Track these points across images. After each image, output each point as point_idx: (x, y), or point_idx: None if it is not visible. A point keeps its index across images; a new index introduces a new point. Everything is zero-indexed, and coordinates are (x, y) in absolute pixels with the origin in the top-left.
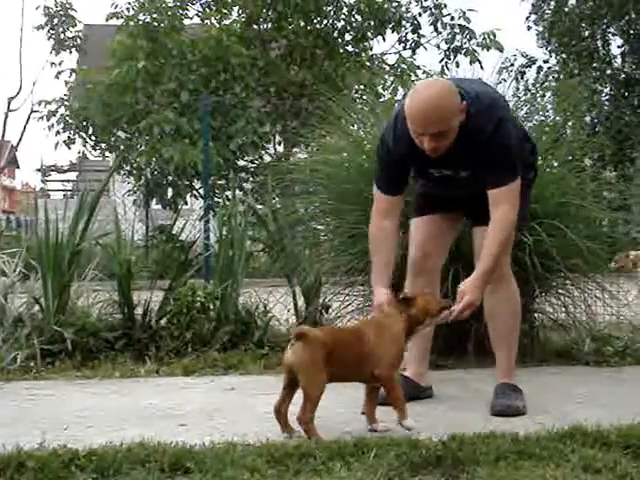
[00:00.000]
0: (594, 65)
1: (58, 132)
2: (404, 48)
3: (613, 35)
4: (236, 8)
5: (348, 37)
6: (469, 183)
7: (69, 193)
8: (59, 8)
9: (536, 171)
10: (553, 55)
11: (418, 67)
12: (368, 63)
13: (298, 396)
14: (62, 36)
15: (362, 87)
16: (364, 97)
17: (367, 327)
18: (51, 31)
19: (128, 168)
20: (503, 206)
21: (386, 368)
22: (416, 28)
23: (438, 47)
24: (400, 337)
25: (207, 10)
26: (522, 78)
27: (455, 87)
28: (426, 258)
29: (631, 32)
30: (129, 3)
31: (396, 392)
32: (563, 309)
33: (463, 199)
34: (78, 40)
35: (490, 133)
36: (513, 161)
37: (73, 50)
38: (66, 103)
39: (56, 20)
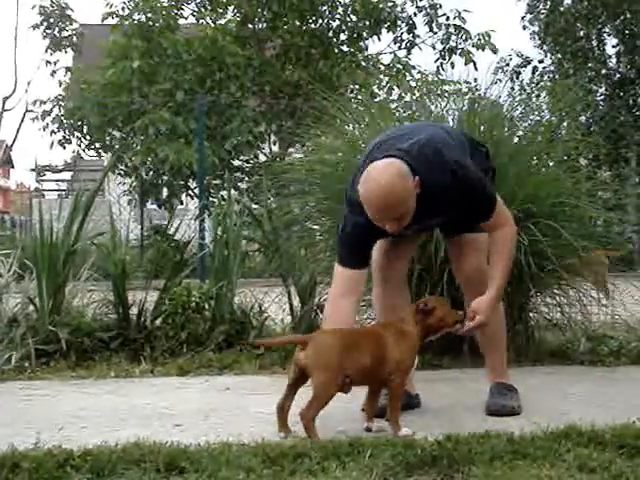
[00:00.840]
0: (589, 65)
1: (53, 132)
2: (399, 48)
3: (608, 35)
4: (231, 8)
5: (343, 37)
6: (441, 224)
7: (64, 193)
8: (55, 7)
9: (494, 171)
10: (548, 55)
11: (413, 67)
12: (363, 63)
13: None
14: (58, 35)
15: (357, 87)
16: (359, 97)
17: (384, 330)
18: (47, 30)
19: (123, 168)
20: (501, 228)
21: (401, 372)
22: (411, 28)
23: (433, 47)
24: (416, 343)
25: (202, 10)
26: (517, 78)
27: (404, 167)
28: (391, 264)
29: (626, 32)
30: (124, 2)
31: (398, 402)
32: (558, 309)
33: None
34: (74, 39)
35: (451, 184)
36: (487, 190)
37: (68, 49)
38: (61, 103)
39: (52, 19)
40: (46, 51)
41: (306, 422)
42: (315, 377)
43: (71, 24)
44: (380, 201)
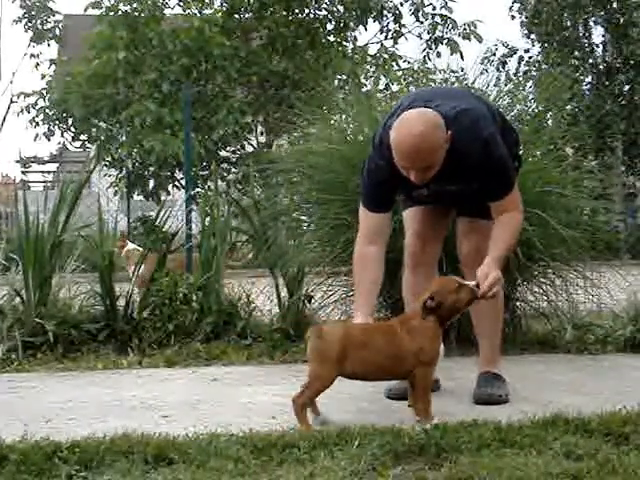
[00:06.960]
0: (575, 54)
1: (37, 124)
2: (386, 38)
3: (595, 24)
4: None
5: (330, 27)
6: (458, 194)
7: (49, 184)
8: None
9: (520, 161)
10: (536, 45)
11: (400, 57)
12: (350, 53)
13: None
14: (40, 27)
15: (344, 77)
16: (346, 87)
17: (402, 324)
18: (29, 23)
19: (109, 160)
20: (509, 212)
21: (423, 365)
22: (397, 18)
23: (420, 37)
24: (437, 332)
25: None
26: (503, 68)
27: (440, 118)
28: (424, 248)
29: (612, 22)
30: None
31: (426, 394)
32: (545, 297)
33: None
34: (57, 31)
35: (479, 155)
36: (508, 173)
37: (52, 41)
38: (45, 95)
39: (33, 12)
40: (29, 44)
41: (296, 407)
42: (310, 367)
43: (53, 16)
44: (410, 148)
